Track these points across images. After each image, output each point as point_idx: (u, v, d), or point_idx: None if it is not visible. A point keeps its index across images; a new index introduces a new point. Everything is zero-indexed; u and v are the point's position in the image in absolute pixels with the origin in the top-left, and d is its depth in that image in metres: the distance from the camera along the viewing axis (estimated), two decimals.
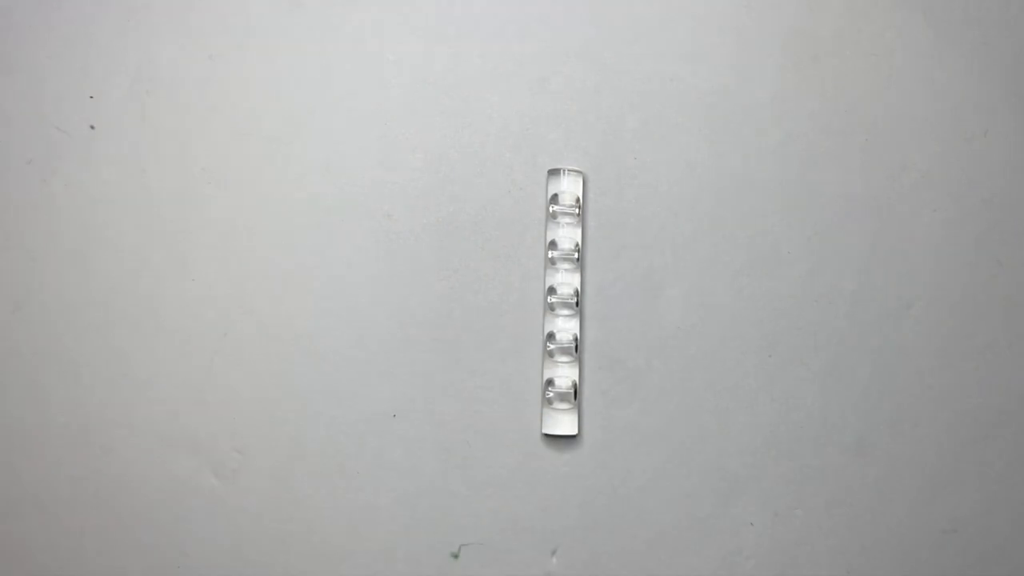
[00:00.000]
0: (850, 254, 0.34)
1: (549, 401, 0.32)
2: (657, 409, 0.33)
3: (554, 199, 0.34)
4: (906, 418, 0.33)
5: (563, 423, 0.32)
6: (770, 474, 0.33)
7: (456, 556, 0.32)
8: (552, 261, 0.33)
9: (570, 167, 0.34)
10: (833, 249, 0.34)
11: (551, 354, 0.32)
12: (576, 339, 0.32)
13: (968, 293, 0.34)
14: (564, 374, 0.33)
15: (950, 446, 0.33)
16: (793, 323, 0.34)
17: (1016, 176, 0.34)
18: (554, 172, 0.34)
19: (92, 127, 0.35)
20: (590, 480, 0.33)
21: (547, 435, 0.33)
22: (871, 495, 0.33)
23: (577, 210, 0.34)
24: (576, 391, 0.32)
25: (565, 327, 0.33)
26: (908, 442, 0.33)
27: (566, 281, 0.33)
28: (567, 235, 0.33)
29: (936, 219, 0.34)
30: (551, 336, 0.33)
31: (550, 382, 0.32)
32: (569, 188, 0.34)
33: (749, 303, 0.34)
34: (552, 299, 0.33)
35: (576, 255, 0.33)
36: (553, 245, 0.33)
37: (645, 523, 0.33)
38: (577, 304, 0.33)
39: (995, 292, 0.34)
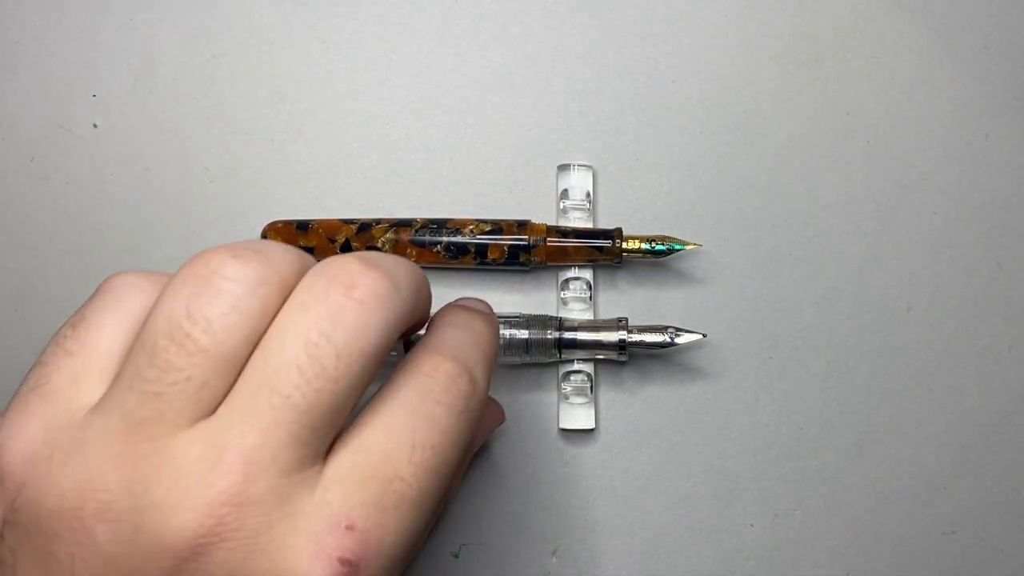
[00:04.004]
0: (851, 256, 0.34)
1: (566, 396, 0.32)
2: (658, 410, 0.33)
3: (564, 194, 0.34)
4: (906, 420, 0.33)
5: (580, 418, 0.32)
6: (770, 475, 0.33)
7: (456, 556, 0.32)
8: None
9: (579, 162, 0.34)
10: (834, 251, 0.34)
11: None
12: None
13: (968, 295, 0.34)
14: (580, 368, 0.32)
15: (950, 448, 0.33)
16: (793, 324, 0.34)
17: (1017, 178, 0.35)
18: (563, 167, 0.34)
19: (95, 125, 0.35)
20: (590, 480, 0.33)
21: (564, 430, 0.33)
22: (871, 496, 0.33)
23: (588, 205, 0.34)
24: (592, 385, 0.32)
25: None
26: (908, 444, 0.33)
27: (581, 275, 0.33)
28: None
29: (937, 221, 0.34)
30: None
31: (566, 376, 0.32)
32: (579, 183, 0.34)
33: (750, 304, 0.34)
34: (565, 294, 0.33)
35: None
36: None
37: (645, 523, 0.33)
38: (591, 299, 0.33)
39: (996, 294, 0.34)
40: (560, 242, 0.32)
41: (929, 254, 0.34)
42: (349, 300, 0.21)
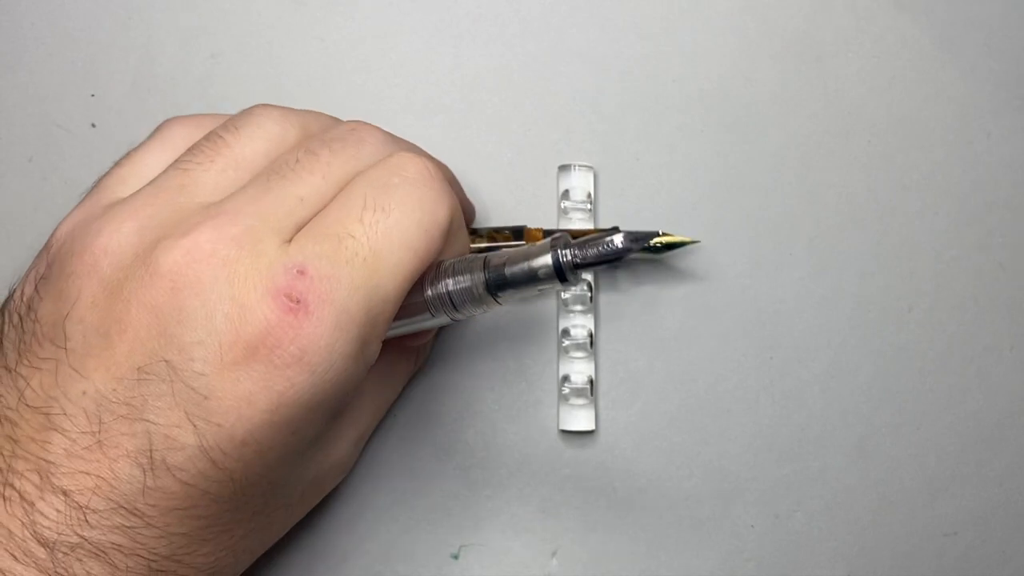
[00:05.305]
0: (852, 256, 0.34)
1: (566, 398, 0.32)
2: (658, 410, 0.33)
3: (565, 195, 0.34)
4: (907, 421, 0.33)
5: (580, 419, 0.32)
6: (771, 476, 0.33)
7: (456, 557, 0.32)
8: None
9: (580, 163, 0.34)
10: (835, 251, 0.34)
11: (566, 350, 0.32)
12: (591, 335, 0.32)
13: (970, 296, 0.34)
14: (580, 370, 0.32)
15: (951, 449, 0.33)
16: (794, 325, 0.34)
17: (1019, 178, 0.35)
18: (564, 168, 0.34)
19: (93, 125, 0.35)
20: (590, 481, 0.33)
21: (564, 431, 0.33)
22: (872, 498, 0.33)
23: (589, 206, 0.33)
24: (592, 386, 0.32)
25: (581, 323, 0.33)
26: (909, 445, 0.33)
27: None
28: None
29: (938, 221, 0.34)
30: (566, 332, 0.32)
31: (566, 378, 0.32)
32: (580, 184, 0.34)
33: (750, 304, 0.34)
34: (565, 296, 0.33)
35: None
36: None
37: (645, 524, 0.33)
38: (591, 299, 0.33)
39: (997, 295, 0.34)
40: None
41: (930, 254, 0.34)
42: (351, 135, 0.28)
